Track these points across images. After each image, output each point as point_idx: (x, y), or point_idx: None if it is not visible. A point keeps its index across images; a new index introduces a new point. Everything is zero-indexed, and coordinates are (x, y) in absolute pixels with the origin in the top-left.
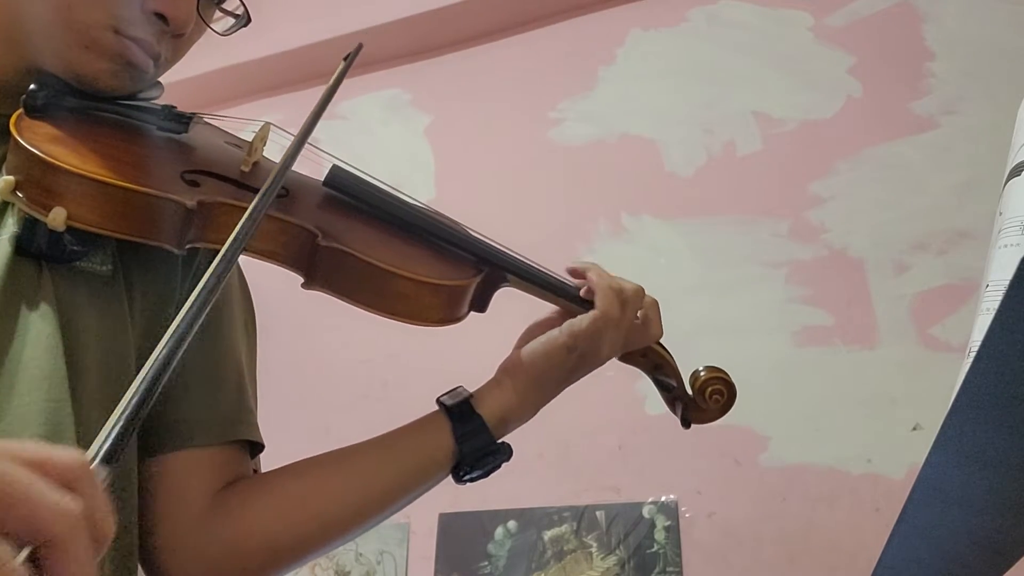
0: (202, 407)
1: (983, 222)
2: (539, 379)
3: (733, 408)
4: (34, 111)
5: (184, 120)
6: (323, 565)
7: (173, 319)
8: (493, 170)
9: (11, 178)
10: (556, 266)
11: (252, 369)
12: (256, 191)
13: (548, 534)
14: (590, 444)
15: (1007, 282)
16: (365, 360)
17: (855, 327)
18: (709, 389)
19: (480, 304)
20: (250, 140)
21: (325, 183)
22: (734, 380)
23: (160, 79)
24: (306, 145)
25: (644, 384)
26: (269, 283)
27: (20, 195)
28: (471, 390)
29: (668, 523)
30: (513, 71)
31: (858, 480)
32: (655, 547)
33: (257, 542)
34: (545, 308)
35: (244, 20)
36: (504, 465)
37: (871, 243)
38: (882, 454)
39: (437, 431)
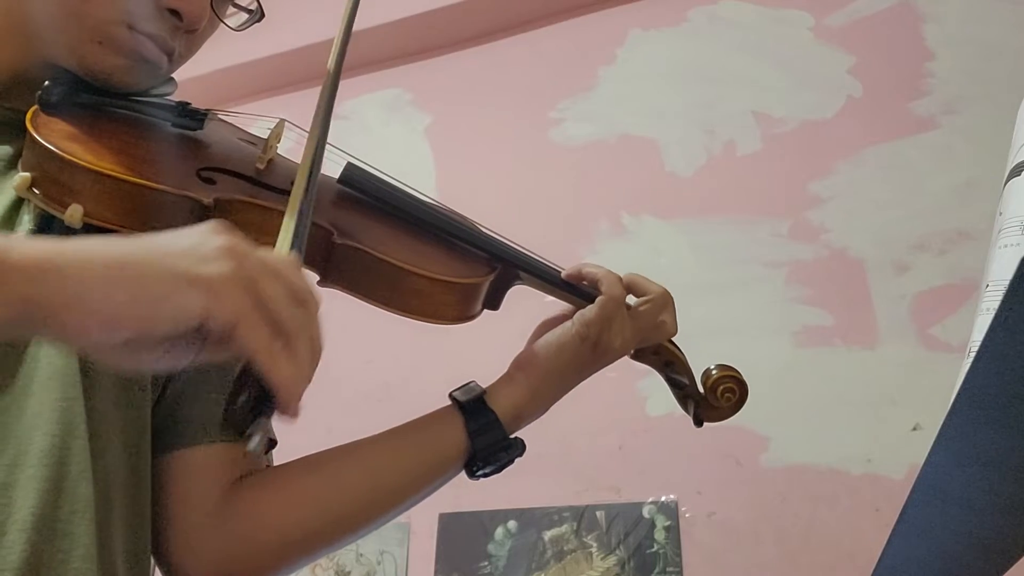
0: (215, 403)
1: (983, 222)
2: (553, 373)
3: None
4: (49, 107)
5: (199, 117)
6: (323, 565)
7: None
8: (493, 170)
9: (28, 175)
10: (558, 266)
11: None
12: (271, 188)
13: (548, 534)
14: (590, 444)
15: (1007, 282)
16: (368, 360)
17: (855, 327)
18: (721, 387)
19: (493, 302)
20: (264, 136)
21: (340, 180)
22: (746, 378)
23: (174, 76)
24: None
25: (645, 384)
26: None
27: (37, 192)
28: (483, 385)
29: (668, 523)
30: (513, 71)
31: (858, 480)
32: (655, 547)
33: (269, 536)
34: (553, 307)
35: (258, 15)
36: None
37: (871, 243)
38: (882, 454)
39: (450, 427)
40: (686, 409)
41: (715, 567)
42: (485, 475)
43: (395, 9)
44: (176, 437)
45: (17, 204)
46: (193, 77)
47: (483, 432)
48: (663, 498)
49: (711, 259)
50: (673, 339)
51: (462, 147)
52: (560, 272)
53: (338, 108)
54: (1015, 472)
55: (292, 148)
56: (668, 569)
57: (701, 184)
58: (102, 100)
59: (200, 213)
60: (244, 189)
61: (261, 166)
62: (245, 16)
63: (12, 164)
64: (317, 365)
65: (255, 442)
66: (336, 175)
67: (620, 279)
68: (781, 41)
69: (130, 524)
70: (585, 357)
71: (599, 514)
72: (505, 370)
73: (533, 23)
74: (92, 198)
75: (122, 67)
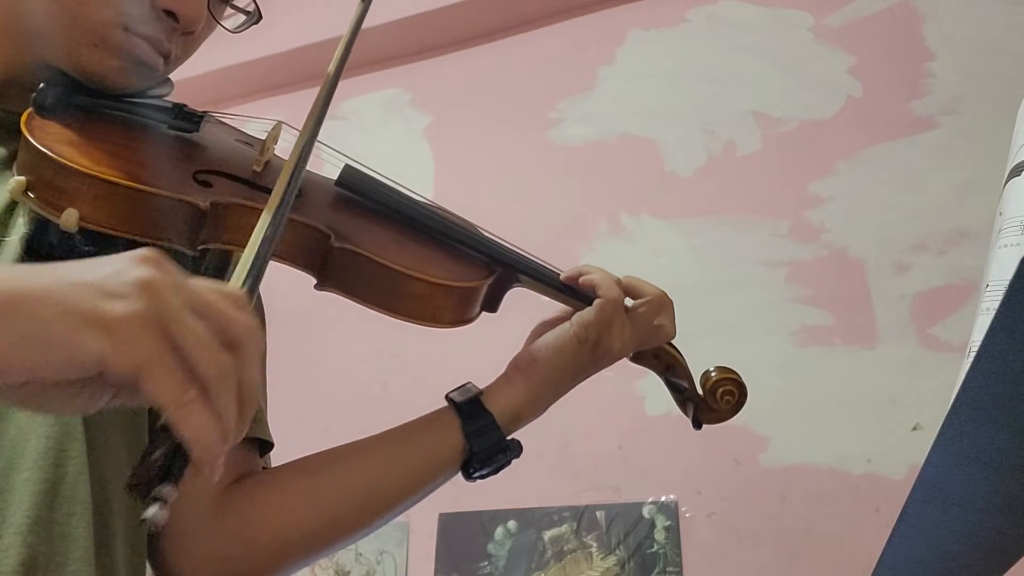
0: None
1: (983, 222)
2: (551, 375)
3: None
4: (44, 110)
5: (195, 119)
6: (323, 565)
7: None
8: (493, 170)
9: (23, 179)
10: (557, 266)
11: (262, 368)
12: (269, 191)
13: (548, 534)
14: (590, 444)
15: (1007, 282)
16: (365, 360)
17: (855, 327)
18: (720, 390)
19: (491, 304)
20: (261, 138)
21: (338, 183)
22: (745, 380)
23: (169, 76)
24: (319, 144)
25: (644, 384)
26: (269, 283)
27: (32, 196)
28: (480, 387)
29: (668, 523)
30: (513, 71)
31: (858, 480)
32: (655, 547)
33: (265, 539)
34: (552, 308)
35: (255, 17)
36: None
37: (871, 243)
38: (882, 454)
39: (446, 428)
40: (685, 412)
41: (715, 567)
42: (482, 477)
43: (395, 9)
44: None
45: (11, 207)
46: (189, 77)
47: (480, 434)
48: (663, 498)
49: (711, 259)
50: (672, 342)
51: (462, 147)
52: (559, 274)
53: (337, 108)
54: (1015, 472)
55: (289, 149)
56: (668, 569)
57: (701, 184)
58: (97, 102)
59: (197, 217)
60: (241, 192)
61: (258, 168)
62: (242, 18)
63: (7, 166)
64: (248, 417)
65: (152, 511)
66: (334, 177)
67: (618, 282)
68: (781, 41)
69: (130, 525)
70: (583, 359)
71: (599, 514)
72: (503, 371)
73: (533, 23)
74: (88, 202)
75: (118, 69)
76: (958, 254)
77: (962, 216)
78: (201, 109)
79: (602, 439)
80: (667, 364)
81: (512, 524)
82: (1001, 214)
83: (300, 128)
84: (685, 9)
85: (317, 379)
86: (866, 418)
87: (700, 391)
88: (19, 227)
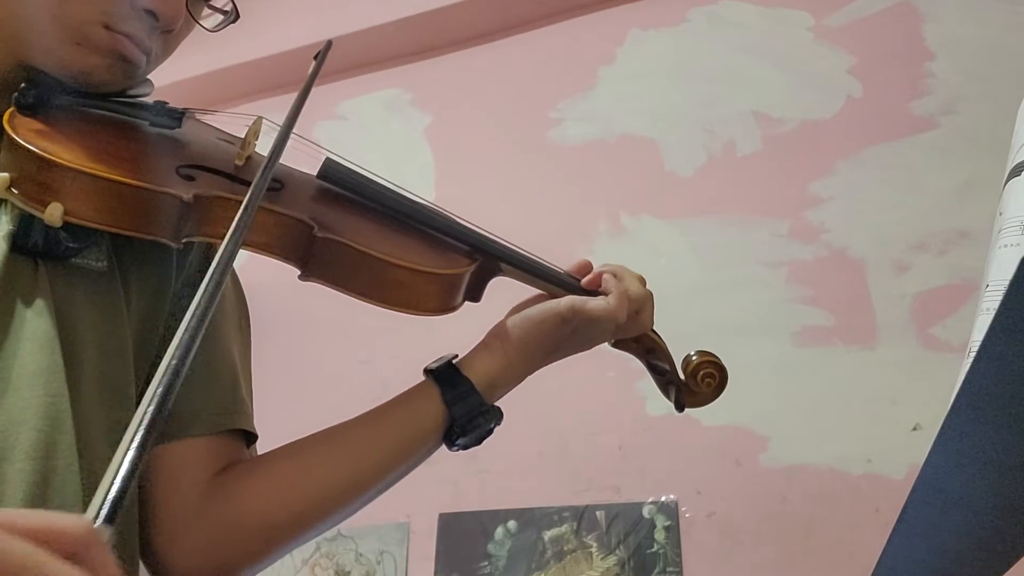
0: (198, 399)
1: (983, 222)
2: (529, 345)
3: (730, 405)
4: (26, 108)
5: (176, 116)
6: (323, 565)
7: (169, 312)
8: (493, 170)
9: (6, 175)
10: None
11: (246, 364)
12: (250, 184)
13: (548, 534)
14: (590, 444)
15: (1007, 282)
16: (364, 360)
17: (855, 327)
18: (701, 372)
19: (475, 293)
20: (242, 136)
21: (319, 176)
22: (728, 375)
23: (150, 77)
24: (302, 140)
25: (644, 384)
26: (267, 283)
27: (16, 192)
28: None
29: (668, 523)
30: (513, 71)
31: (858, 480)
32: (655, 547)
33: (254, 522)
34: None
35: (233, 16)
36: (504, 465)
37: (871, 243)
38: (882, 454)
39: (426, 398)
40: (667, 395)
41: (715, 567)
42: (464, 446)
43: (395, 9)
44: (161, 432)
45: None
46: (175, 82)
47: (459, 400)
48: (663, 498)
49: (711, 259)
50: (655, 329)
51: (462, 147)
52: (542, 263)
53: (337, 108)
54: (1015, 472)
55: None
56: (668, 569)
57: (701, 184)
58: (80, 101)
59: (180, 210)
60: (223, 185)
61: (240, 163)
62: (220, 17)
63: None
64: None
65: None
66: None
67: (629, 302)
68: (781, 41)
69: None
70: (562, 338)
71: (599, 514)
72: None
73: (533, 23)
74: (72, 196)
75: (101, 66)
76: (958, 254)
77: (962, 216)
78: (183, 107)
79: (602, 439)
80: (648, 348)
81: (512, 524)
82: (1001, 214)
83: (280, 123)
84: (685, 9)
85: (317, 379)
86: (866, 418)
87: (682, 375)
88: (4, 224)
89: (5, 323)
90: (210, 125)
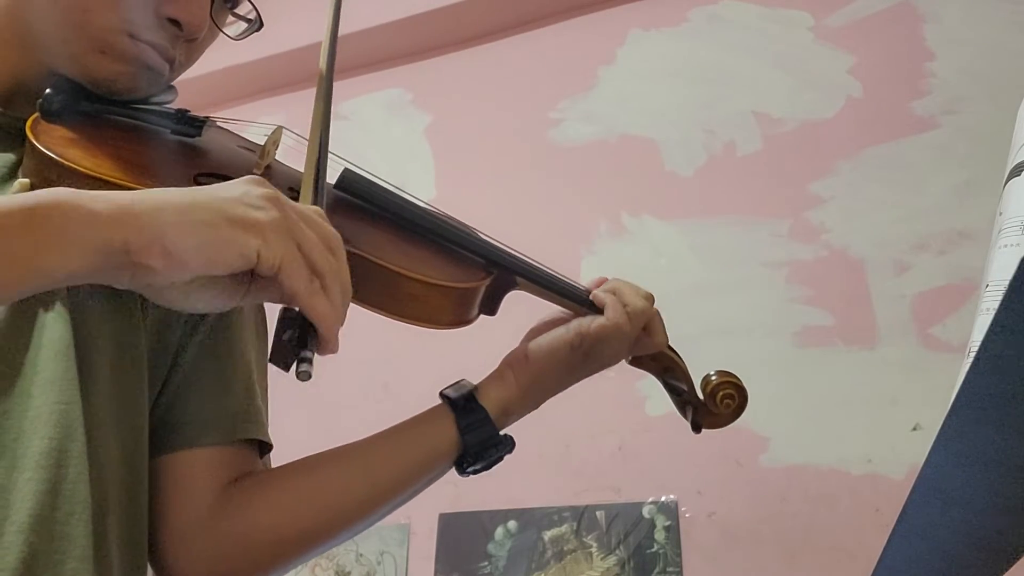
0: (211, 407)
1: (983, 222)
2: (542, 374)
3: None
4: (50, 115)
5: (197, 124)
6: (323, 565)
7: (185, 319)
8: (493, 170)
9: (27, 181)
10: (557, 266)
11: (263, 370)
12: None
13: (548, 534)
14: (590, 444)
15: (1007, 282)
16: (365, 361)
17: (855, 327)
18: (720, 393)
19: (490, 307)
20: (262, 143)
21: (336, 186)
22: (745, 385)
23: (174, 84)
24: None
25: (645, 384)
26: None
27: None
28: (473, 383)
29: (668, 523)
30: (513, 71)
31: (858, 480)
32: (655, 547)
33: (263, 536)
34: (551, 309)
35: (256, 25)
36: (504, 465)
37: (871, 243)
38: (882, 454)
39: (440, 424)
40: (684, 415)
41: (715, 567)
42: (475, 472)
43: (395, 9)
44: (172, 439)
45: None
46: (188, 79)
47: (474, 429)
48: (663, 498)
49: (711, 259)
50: (671, 344)
51: (462, 147)
52: (558, 277)
53: (338, 108)
54: (1015, 472)
55: (289, 153)
56: (668, 569)
57: (701, 184)
58: (102, 108)
59: None
60: None
61: (259, 172)
62: (244, 25)
63: (13, 172)
64: (347, 306)
65: (304, 368)
66: (333, 181)
67: (624, 309)
68: (781, 41)
69: (126, 526)
70: (574, 364)
71: (599, 514)
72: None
73: (533, 23)
74: None
75: (125, 74)
76: (958, 254)
77: (962, 216)
78: (202, 112)
79: (603, 439)
80: (665, 367)
81: (512, 524)
82: (1001, 214)
83: (300, 133)
84: (685, 9)
85: (318, 380)
86: (866, 418)
87: (700, 395)
88: None
89: (26, 329)
90: (231, 133)
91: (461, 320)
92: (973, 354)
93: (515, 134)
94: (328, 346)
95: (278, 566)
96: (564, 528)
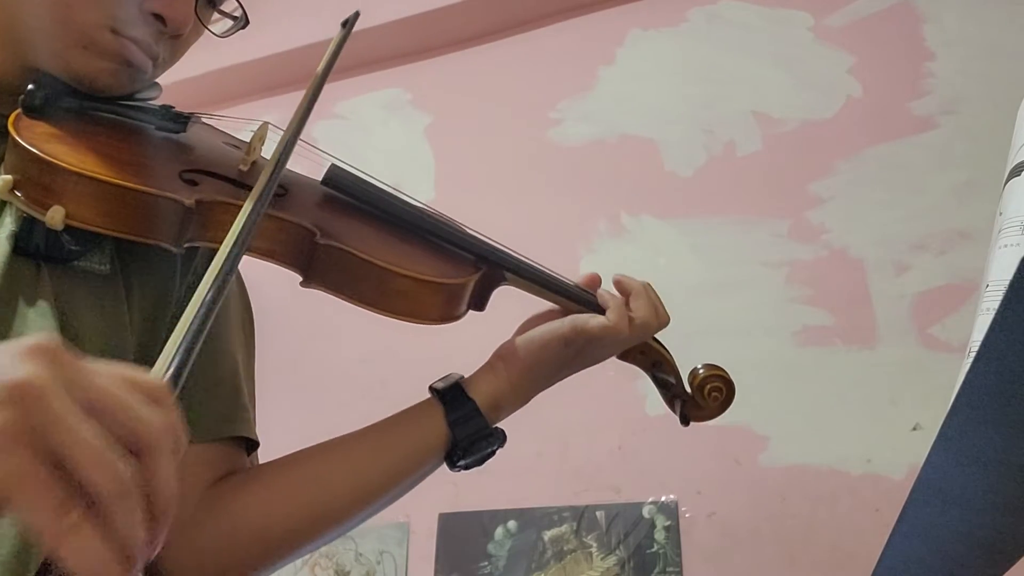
0: (198, 404)
1: (983, 222)
2: (533, 367)
3: (732, 407)
4: (32, 111)
5: (182, 120)
6: (323, 565)
7: (172, 317)
8: (493, 170)
9: (9, 177)
10: (557, 266)
11: (249, 368)
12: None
13: (548, 534)
14: (590, 444)
15: (1007, 282)
16: (364, 359)
17: (855, 327)
18: (708, 387)
19: (479, 302)
20: (248, 140)
21: (323, 182)
22: (733, 378)
23: (157, 80)
24: (306, 145)
25: (644, 384)
26: (268, 283)
27: (18, 194)
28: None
29: (668, 523)
30: (513, 71)
31: (858, 480)
32: (655, 547)
33: (250, 533)
34: (543, 306)
35: (242, 22)
36: (504, 465)
37: (871, 243)
38: (882, 454)
39: (429, 417)
40: (673, 408)
41: (715, 567)
42: (466, 466)
43: (395, 9)
44: None
45: (0, 207)
46: (179, 80)
47: (463, 422)
48: (663, 498)
49: (711, 259)
50: (658, 338)
51: (462, 147)
52: (547, 272)
53: (338, 108)
54: (1015, 472)
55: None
56: (668, 569)
57: (701, 184)
58: (86, 104)
59: (182, 215)
60: (226, 191)
61: (244, 168)
62: (229, 23)
63: None
64: (162, 532)
65: None
66: (320, 177)
67: (630, 322)
68: (781, 41)
69: None
70: (566, 359)
71: (599, 514)
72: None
73: (533, 23)
74: (74, 200)
75: (107, 71)
76: (958, 254)
77: (962, 216)
78: (189, 111)
79: (602, 439)
80: (654, 360)
81: (512, 524)
82: (1001, 214)
83: (284, 128)
84: (685, 9)
85: (317, 378)
86: (866, 418)
87: (688, 388)
88: (7, 226)
89: (8, 325)
90: (216, 129)
91: (450, 315)
92: (973, 354)
93: (515, 134)
94: None
95: (266, 563)
96: (564, 528)
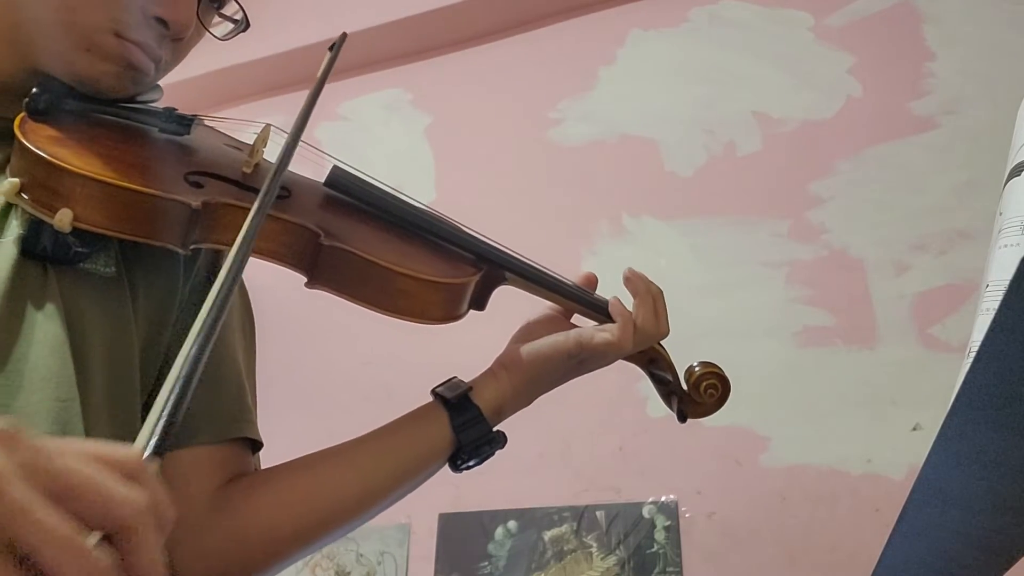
0: (203, 406)
1: (983, 222)
2: (536, 377)
3: (731, 406)
4: (37, 113)
5: (185, 122)
6: (323, 566)
7: (176, 319)
8: (493, 170)
9: (16, 180)
10: (557, 267)
11: (251, 370)
12: (258, 192)
13: (548, 534)
14: (591, 444)
15: (1007, 282)
16: (367, 363)
17: (855, 327)
18: (704, 384)
19: (479, 302)
20: (251, 142)
21: (326, 183)
22: (729, 376)
23: (159, 82)
24: (307, 147)
25: (645, 385)
26: (272, 287)
27: (26, 197)
28: (466, 381)
29: (668, 523)
30: (513, 71)
31: (858, 480)
32: (655, 547)
33: (258, 534)
34: (542, 305)
35: (243, 25)
36: (504, 465)
37: (871, 243)
38: (882, 454)
39: (435, 422)
40: (669, 405)
41: (715, 567)
42: (468, 468)
43: (395, 9)
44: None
45: (6, 210)
46: (181, 81)
47: (468, 427)
48: (663, 498)
49: (711, 259)
50: None
51: (462, 147)
52: (546, 272)
53: (338, 108)
54: (1015, 472)
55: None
56: (668, 569)
57: (701, 184)
58: (90, 107)
59: (188, 217)
60: (232, 193)
61: (248, 170)
62: (231, 26)
63: (1, 171)
64: None
65: None
66: (322, 179)
67: (635, 330)
68: (781, 41)
69: None
70: (569, 369)
71: (599, 514)
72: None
73: (533, 23)
74: (81, 202)
75: (110, 74)
76: (958, 254)
77: (962, 216)
78: (193, 113)
79: (603, 439)
80: (650, 358)
81: (512, 524)
82: (1001, 214)
83: (287, 129)
84: (685, 9)
85: (320, 382)
86: (866, 418)
87: (684, 385)
88: (14, 229)
89: (16, 327)
90: (219, 132)
91: (452, 315)
92: (973, 354)
93: (515, 134)
94: None
95: (273, 564)
96: (564, 528)
